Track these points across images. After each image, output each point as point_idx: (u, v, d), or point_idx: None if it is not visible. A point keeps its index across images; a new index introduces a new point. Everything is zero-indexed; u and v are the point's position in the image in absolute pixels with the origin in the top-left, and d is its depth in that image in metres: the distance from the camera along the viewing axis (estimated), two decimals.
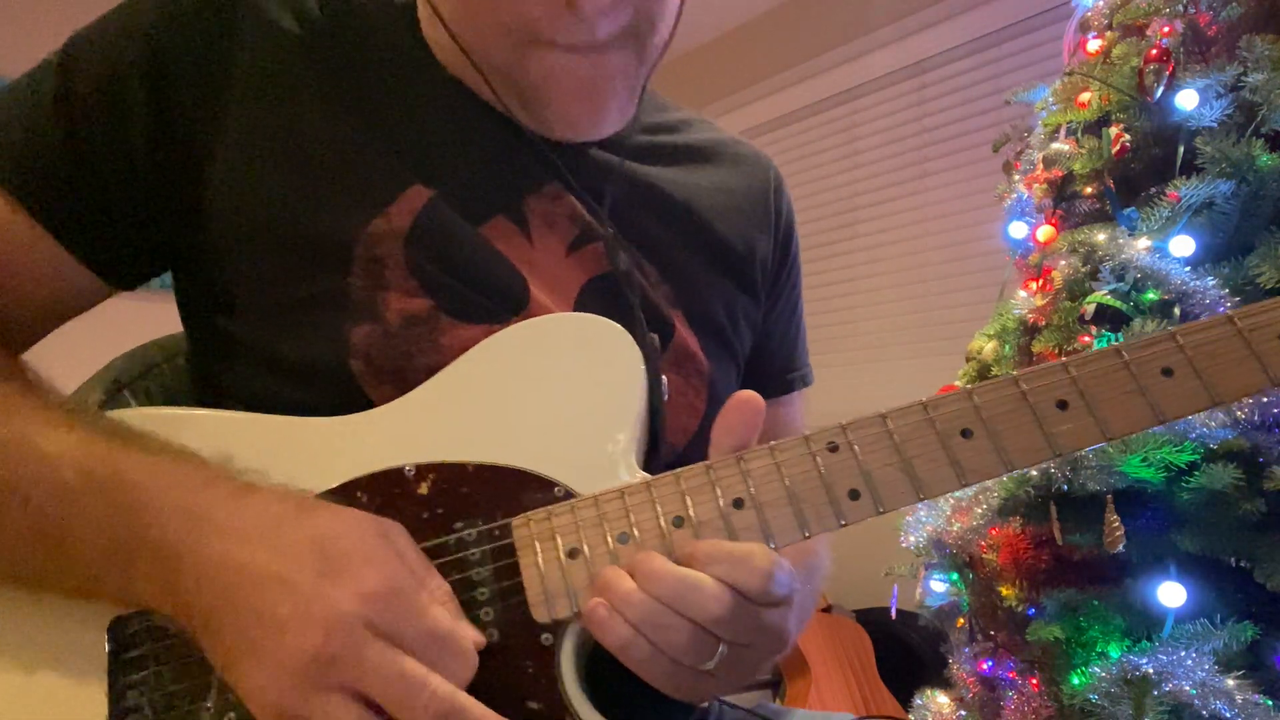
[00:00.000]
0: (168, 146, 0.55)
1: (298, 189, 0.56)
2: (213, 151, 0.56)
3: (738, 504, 0.47)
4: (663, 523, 0.47)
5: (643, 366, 0.54)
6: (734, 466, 0.48)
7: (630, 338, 0.54)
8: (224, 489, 0.45)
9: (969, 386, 0.49)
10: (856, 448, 0.48)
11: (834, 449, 0.48)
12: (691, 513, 0.47)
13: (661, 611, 0.44)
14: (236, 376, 0.57)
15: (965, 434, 0.47)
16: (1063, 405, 0.47)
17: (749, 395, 0.49)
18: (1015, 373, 0.48)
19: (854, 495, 0.47)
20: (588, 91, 0.58)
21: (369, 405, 0.54)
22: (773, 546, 0.46)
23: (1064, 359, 0.49)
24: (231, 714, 0.45)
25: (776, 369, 0.78)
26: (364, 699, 0.40)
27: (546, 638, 0.46)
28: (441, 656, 0.42)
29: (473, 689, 0.42)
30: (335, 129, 0.57)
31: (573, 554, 0.47)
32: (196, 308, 0.61)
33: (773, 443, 0.49)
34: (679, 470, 0.49)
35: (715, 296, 0.68)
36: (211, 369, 0.60)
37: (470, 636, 0.44)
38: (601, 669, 0.50)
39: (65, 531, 0.45)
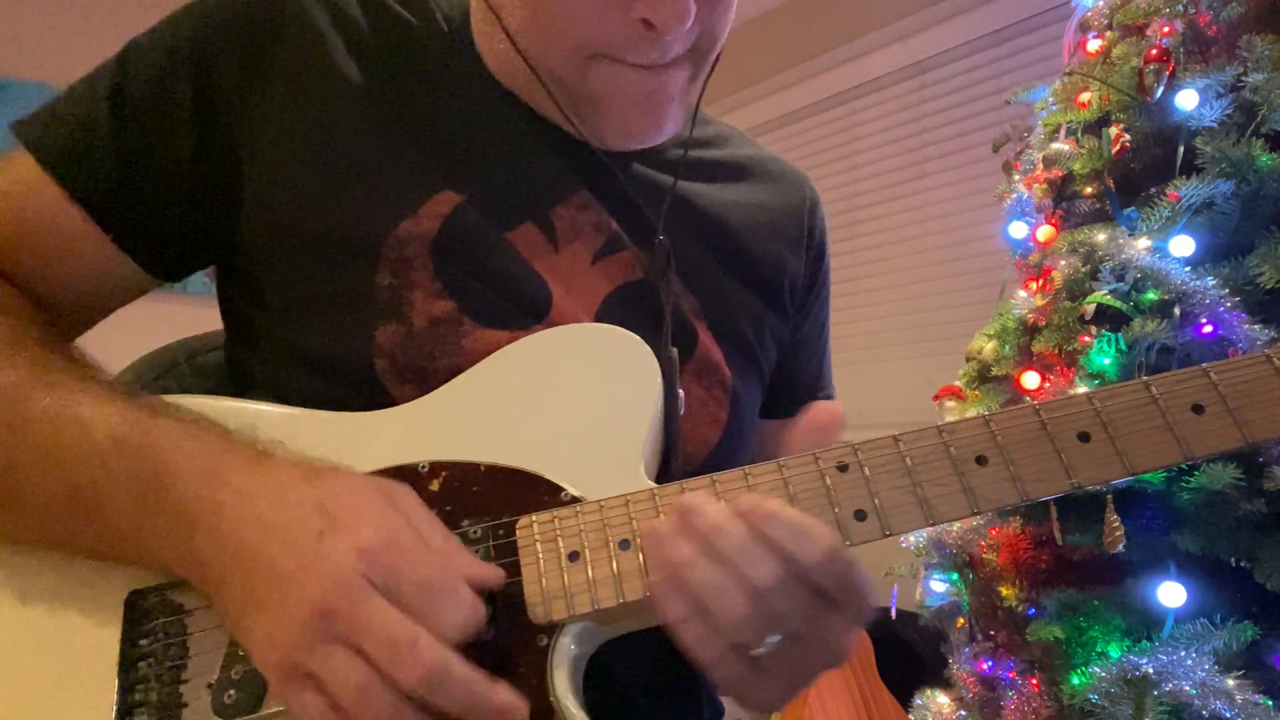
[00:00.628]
0: (211, 146, 0.58)
1: (329, 187, 0.57)
2: (252, 151, 0.58)
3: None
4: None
5: (659, 379, 0.55)
6: (740, 480, 0.48)
7: (649, 350, 0.55)
8: (242, 454, 0.47)
9: (986, 414, 0.48)
10: (867, 469, 0.48)
11: (844, 469, 0.48)
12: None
13: (723, 578, 0.43)
14: (266, 367, 0.59)
15: (980, 460, 0.47)
16: (1084, 437, 0.47)
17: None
18: (1036, 403, 0.48)
19: (860, 516, 0.47)
20: (649, 106, 0.59)
21: (391, 403, 0.55)
22: None
23: (1089, 390, 0.48)
24: (231, 691, 0.45)
25: (803, 387, 0.78)
26: (363, 653, 0.41)
27: (541, 639, 0.46)
28: (439, 605, 0.42)
29: None
30: (371, 132, 0.59)
31: (573, 557, 0.47)
32: (233, 299, 0.63)
33: (781, 459, 0.49)
34: (684, 480, 0.49)
35: (742, 311, 0.69)
36: (244, 358, 0.62)
37: (480, 576, 0.45)
38: (605, 677, 0.50)
39: (95, 492, 0.46)
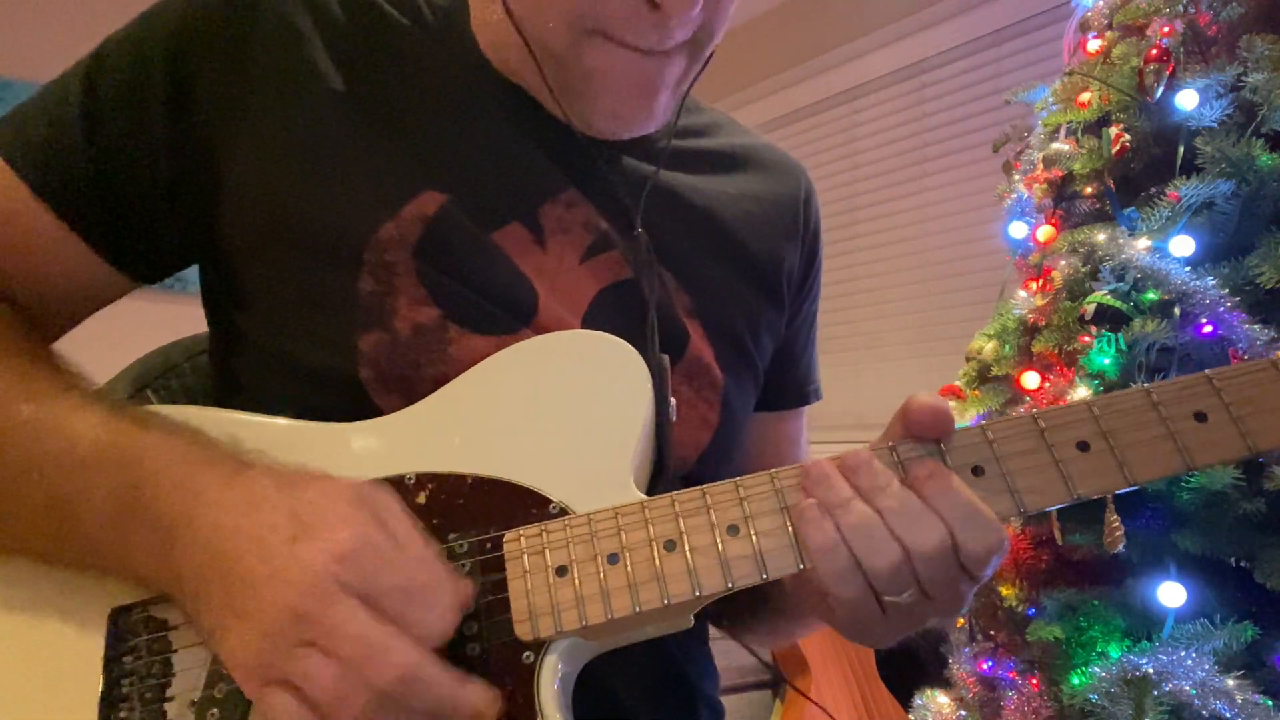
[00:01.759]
0: (187, 146, 0.56)
1: (309, 189, 0.56)
2: (230, 151, 0.56)
3: (732, 530, 0.46)
4: (654, 545, 0.46)
5: (649, 387, 0.54)
6: (731, 492, 0.47)
7: (639, 358, 0.54)
8: (220, 466, 0.46)
9: (983, 423, 0.47)
10: None
11: None
12: (685, 536, 0.46)
13: (878, 527, 0.43)
14: (251, 373, 0.59)
15: (976, 471, 0.46)
16: (1084, 446, 0.46)
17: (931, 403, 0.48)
18: (1035, 411, 0.47)
19: None
20: (640, 91, 0.58)
21: (377, 412, 0.54)
22: (764, 577, 0.46)
23: (1089, 398, 0.47)
24: (214, 710, 0.45)
25: (795, 380, 0.77)
26: (337, 656, 0.40)
27: (528, 656, 0.45)
28: (413, 609, 0.41)
29: None
30: (352, 131, 0.57)
31: (561, 571, 0.46)
32: (217, 302, 0.62)
33: (773, 470, 0.48)
34: (675, 493, 0.48)
35: (736, 307, 0.67)
36: (230, 363, 0.61)
37: (454, 591, 0.44)
38: (601, 688, 0.49)
39: (75, 502, 0.46)
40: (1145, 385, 0.47)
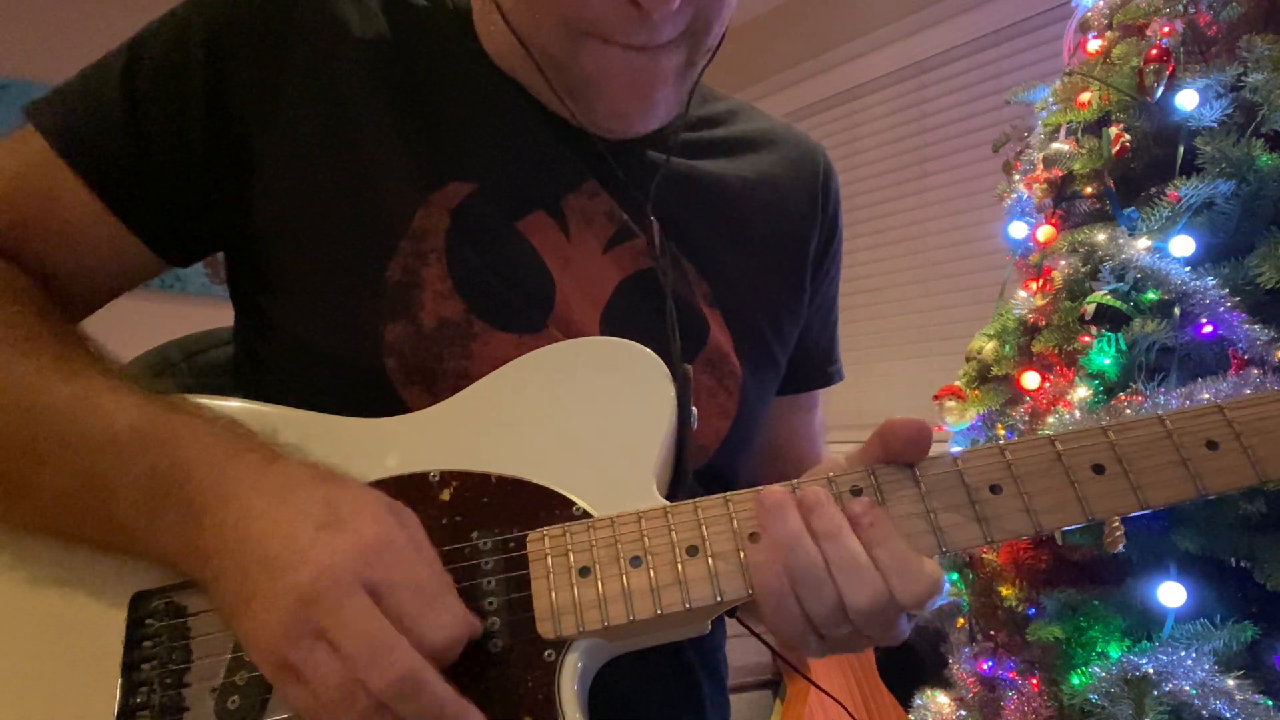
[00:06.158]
0: (223, 132, 0.57)
1: (342, 177, 0.57)
2: (266, 136, 0.57)
3: (754, 538, 0.47)
4: (677, 549, 0.47)
5: (673, 396, 0.54)
6: (753, 500, 0.48)
7: (664, 367, 0.55)
8: (257, 455, 0.47)
9: (1001, 443, 0.48)
10: (881, 493, 0.48)
11: (857, 492, 0.48)
12: (707, 543, 0.47)
13: (821, 571, 0.45)
14: (276, 358, 0.60)
15: (994, 489, 0.47)
16: (1099, 469, 0.47)
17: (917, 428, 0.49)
18: (1051, 434, 0.48)
19: None
20: (639, 88, 0.58)
21: (398, 401, 0.55)
22: None
23: (1104, 422, 0.48)
24: (235, 697, 0.45)
25: (818, 360, 0.77)
26: (340, 651, 0.40)
27: (549, 654, 0.46)
28: (426, 614, 0.41)
29: (469, 695, 0.42)
30: (386, 120, 0.59)
31: (584, 572, 0.47)
32: (243, 285, 0.63)
33: (795, 480, 0.49)
34: (698, 499, 0.49)
35: (756, 296, 0.68)
36: (255, 347, 0.62)
37: (463, 613, 0.44)
38: (611, 688, 0.50)
39: (107, 480, 0.46)
40: (1159, 413, 0.48)
